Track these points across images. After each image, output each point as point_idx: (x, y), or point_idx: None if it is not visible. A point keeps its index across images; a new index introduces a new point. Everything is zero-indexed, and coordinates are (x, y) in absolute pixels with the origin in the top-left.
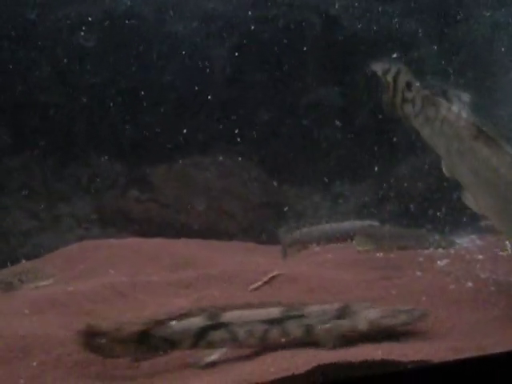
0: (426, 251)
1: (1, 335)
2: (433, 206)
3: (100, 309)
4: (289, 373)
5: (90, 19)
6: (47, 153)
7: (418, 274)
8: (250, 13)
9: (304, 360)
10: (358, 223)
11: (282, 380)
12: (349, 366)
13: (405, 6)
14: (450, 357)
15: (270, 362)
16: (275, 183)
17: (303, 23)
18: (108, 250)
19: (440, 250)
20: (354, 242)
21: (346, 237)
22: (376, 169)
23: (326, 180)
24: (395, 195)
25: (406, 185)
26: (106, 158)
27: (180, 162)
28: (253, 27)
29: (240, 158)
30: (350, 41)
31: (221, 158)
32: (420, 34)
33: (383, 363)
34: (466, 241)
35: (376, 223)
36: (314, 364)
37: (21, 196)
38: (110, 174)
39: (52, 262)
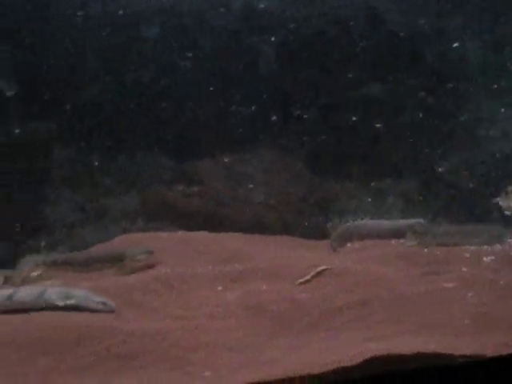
0: (472, 248)
1: (54, 326)
2: (480, 203)
3: (148, 300)
4: None
5: (126, 16)
6: (93, 146)
7: (464, 269)
8: (295, 9)
9: None
10: (406, 221)
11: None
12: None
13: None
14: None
15: None
16: (319, 178)
17: (349, 20)
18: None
19: (485, 247)
20: (403, 240)
21: (395, 234)
22: (423, 164)
23: (371, 176)
24: (442, 192)
25: (453, 180)
26: (153, 151)
27: (226, 156)
28: (298, 23)
29: (285, 153)
30: (397, 37)
31: (266, 153)
32: (467, 30)
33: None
34: None
35: (423, 220)
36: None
37: (66, 189)
38: (157, 167)
39: None
